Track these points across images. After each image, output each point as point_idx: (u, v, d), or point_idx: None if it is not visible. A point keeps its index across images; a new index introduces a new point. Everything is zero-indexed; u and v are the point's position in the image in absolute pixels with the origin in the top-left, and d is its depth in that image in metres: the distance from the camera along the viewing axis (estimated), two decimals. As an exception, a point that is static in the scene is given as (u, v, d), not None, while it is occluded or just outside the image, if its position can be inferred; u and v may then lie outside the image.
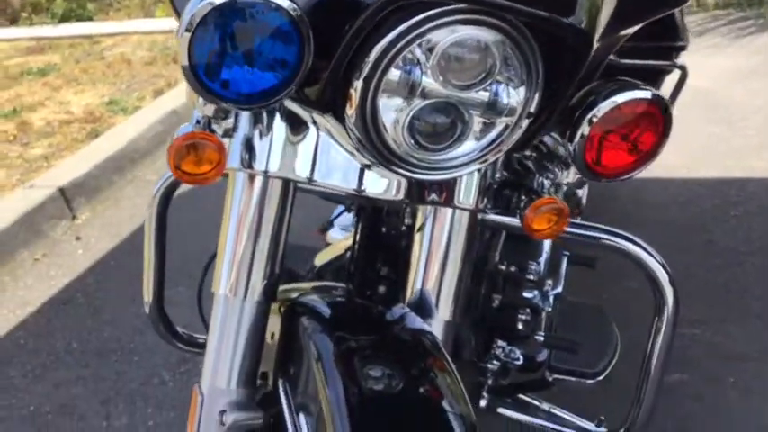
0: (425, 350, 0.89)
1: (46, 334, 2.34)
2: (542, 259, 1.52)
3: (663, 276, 1.04)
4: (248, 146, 0.86)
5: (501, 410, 1.37)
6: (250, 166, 0.86)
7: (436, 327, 0.98)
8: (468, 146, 0.82)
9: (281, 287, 1.00)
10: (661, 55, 1.91)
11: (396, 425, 0.79)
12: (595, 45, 0.77)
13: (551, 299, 1.47)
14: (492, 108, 0.79)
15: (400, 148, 0.79)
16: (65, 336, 2.32)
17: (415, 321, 0.94)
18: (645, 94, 0.86)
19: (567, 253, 1.59)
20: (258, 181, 0.88)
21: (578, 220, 1.13)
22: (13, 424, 1.98)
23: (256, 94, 0.71)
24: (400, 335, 0.92)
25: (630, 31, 1.00)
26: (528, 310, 1.41)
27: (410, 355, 0.88)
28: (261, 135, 0.86)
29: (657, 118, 0.88)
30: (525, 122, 0.82)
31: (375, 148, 0.78)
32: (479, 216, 0.99)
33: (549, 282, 1.53)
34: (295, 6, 0.69)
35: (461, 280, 0.99)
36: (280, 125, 0.87)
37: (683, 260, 2.31)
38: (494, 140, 0.82)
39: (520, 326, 1.41)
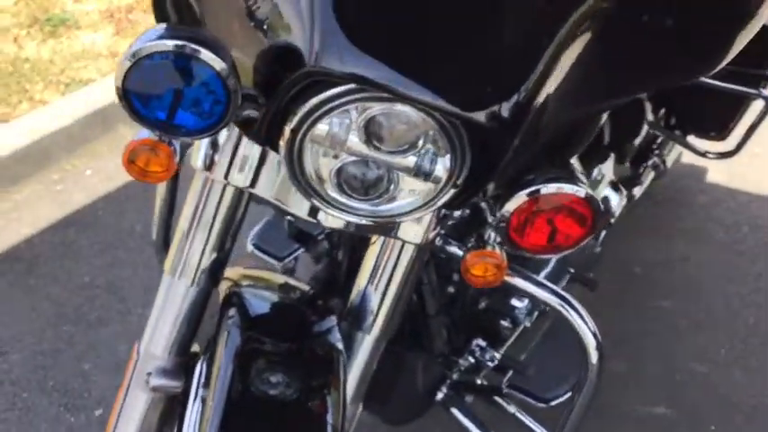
0: (329, 367, 0.96)
1: (118, 213, 2.58)
2: (544, 272, 1.54)
3: (591, 342, 1.06)
4: (212, 151, 0.93)
5: (453, 410, 1.45)
6: (210, 171, 0.94)
7: (366, 343, 1.05)
8: (396, 202, 0.86)
9: (242, 270, 1.10)
10: (747, 81, 1.81)
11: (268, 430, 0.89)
12: (520, 136, 0.78)
13: (535, 314, 1.49)
14: (417, 174, 0.82)
15: (326, 194, 0.84)
16: (133, 219, 2.55)
17: (335, 337, 1.01)
18: (578, 191, 0.86)
19: (572, 270, 1.60)
20: (216, 185, 0.95)
21: (521, 270, 1.15)
22: (68, 290, 2.23)
23: (183, 127, 0.78)
24: (314, 347, 0.99)
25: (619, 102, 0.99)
26: (509, 318, 1.45)
27: (314, 369, 0.96)
28: (226, 145, 0.93)
29: (586, 216, 0.88)
30: (452, 191, 0.84)
31: (302, 188, 0.84)
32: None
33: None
34: (224, 66, 0.74)
35: (398, 303, 1.05)
36: (246, 141, 0.93)
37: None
38: (422, 203, 0.85)
39: (501, 331, 1.46)
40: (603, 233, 1.68)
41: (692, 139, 2.00)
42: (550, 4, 0.79)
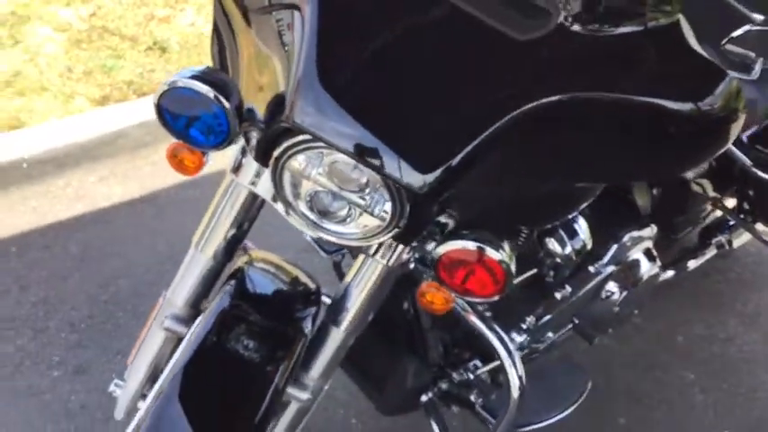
0: (292, 344, 1.21)
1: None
2: (548, 317, 1.70)
3: (515, 384, 1.25)
4: (241, 157, 1.20)
5: (431, 419, 1.65)
6: (236, 174, 1.21)
7: (334, 334, 1.29)
8: (350, 229, 1.09)
9: (263, 254, 1.37)
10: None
11: (226, 377, 1.15)
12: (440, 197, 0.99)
13: (528, 349, 1.66)
14: (366, 211, 1.05)
15: (298, 209, 1.08)
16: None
17: (306, 324, 1.26)
18: (493, 254, 1.05)
19: (576, 321, 1.75)
20: (239, 185, 1.22)
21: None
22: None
23: (196, 141, 1.07)
24: (287, 328, 1.24)
25: None
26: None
27: (280, 344, 1.21)
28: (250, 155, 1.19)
29: (498, 277, 1.07)
30: (395, 230, 1.06)
31: (282, 202, 1.09)
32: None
33: (544, 335, 1.72)
34: (228, 106, 1.02)
35: (366, 308, 1.26)
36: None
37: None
38: (370, 234, 1.08)
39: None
40: (622, 294, 1.78)
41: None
42: (493, 96, 1.00)
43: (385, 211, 1.03)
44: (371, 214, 1.04)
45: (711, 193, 1.93)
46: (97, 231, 2.44)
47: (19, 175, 2.58)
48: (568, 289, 1.65)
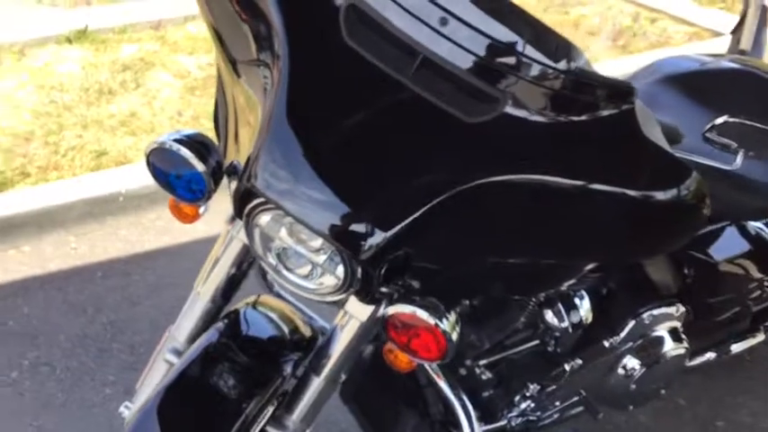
0: (267, 384, 1.31)
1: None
2: (554, 387, 1.70)
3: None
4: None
5: None
6: (231, 225, 1.33)
7: (313, 382, 1.36)
8: (312, 284, 1.17)
9: (265, 298, 1.48)
10: None
11: (201, 404, 1.26)
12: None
13: (533, 416, 1.67)
14: (323, 269, 1.14)
15: (268, 261, 1.19)
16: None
17: (287, 369, 1.35)
18: (434, 322, 1.11)
19: (583, 393, 1.73)
20: (233, 236, 1.34)
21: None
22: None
23: (180, 194, 1.20)
24: (270, 370, 1.34)
25: None
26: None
27: (257, 382, 1.31)
28: None
29: (441, 343, 1.12)
30: (351, 290, 1.14)
31: (255, 253, 1.20)
32: None
33: (551, 405, 1.72)
34: (204, 169, 1.16)
35: (343, 359, 1.34)
36: None
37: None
38: (327, 291, 1.16)
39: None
40: (641, 371, 1.76)
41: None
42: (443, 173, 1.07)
43: (339, 273, 1.11)
44: (330, 273, 1.13)
45: (756, 275, 1.87)
46: (175, 263, 2.65)
47: (115, 207, 2.85)
48: (578, 361, 1.65)
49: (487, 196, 1.07)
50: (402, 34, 1.03)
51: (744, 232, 1.81)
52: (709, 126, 1.28)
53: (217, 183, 1.21)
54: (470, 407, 1.39)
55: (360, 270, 1.09)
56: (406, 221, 1.04)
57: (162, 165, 1.20)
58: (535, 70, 1.03)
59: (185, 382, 1.28)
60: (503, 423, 1.63)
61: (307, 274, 1.17)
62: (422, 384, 1.61)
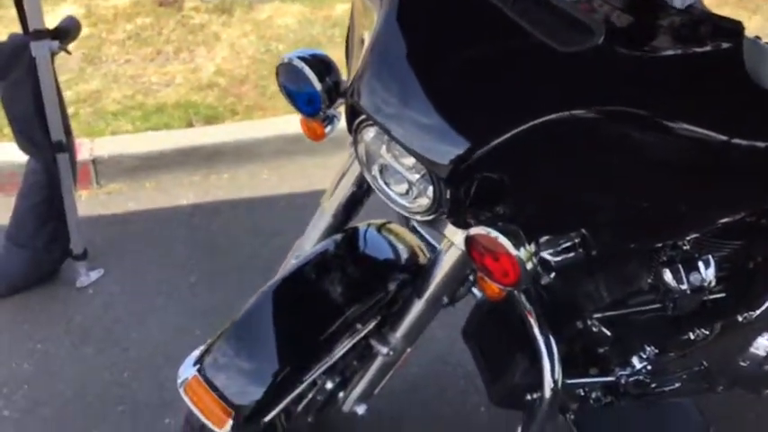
0: (371, 298, 1.42)
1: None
2: (675, 353, 1.63)
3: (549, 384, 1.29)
4: None
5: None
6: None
7: (417, 304, 1.43)
8: (410, 203, 1.24)
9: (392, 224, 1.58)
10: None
11: (309, 300, 1.41)
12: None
13: (652, 381, 1.62)
14: (415, 187, 1.21)
15: (371, 177, 1.28)
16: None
17: (392, 286, 1.44)
18: (509, 249, 1.12)
19: (705, 364, 1.64)
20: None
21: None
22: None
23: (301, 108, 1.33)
24: (378, 286, 1.44)
25: None
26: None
27: (362, 295, 1.42)
28: None
29: (508, 271, 1.14)
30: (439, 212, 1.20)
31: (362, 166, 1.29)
32: None
33: (671, 371, 1.65)
34: (319, 88, 1.29)
35: (443, 289, 1.41)
36: None
37: None
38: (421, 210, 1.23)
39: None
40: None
41: None
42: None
43: (429, 192, 1.18)
44: (423, 193, 1.19)
45: None
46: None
47: (305, 147, 3.05)
48: (704, 331, 1.57)
49: (581, 130, 1.08)
50: None
51: None
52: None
53: (332, 101, 1.32)
54: (556, 351, 1.39)
55: (447, 192, 1.15)
56: (491, 143, 1.08)
57: (286, 79, 1.33)
58: (635, 2, 1.02)
59: (297, 278, 1.43)
60: (612, 378, 1.60)
61: (404, 192, 1.25)
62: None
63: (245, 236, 2.64)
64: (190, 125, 3.18)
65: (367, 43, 1.18)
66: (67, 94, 3.36)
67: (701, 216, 1.24)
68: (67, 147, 2.24)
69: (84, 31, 3.95)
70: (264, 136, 3.08)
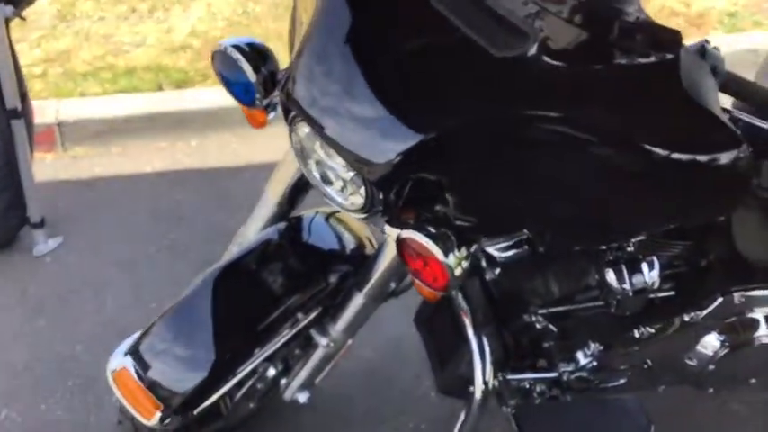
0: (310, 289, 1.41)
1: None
2: (620, 351, 1.62)
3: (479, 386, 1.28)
4: None
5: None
6: None
7: (357, 297, 1.41)
8: (344, 200, 1.21)
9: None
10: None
11: (248, 290, 1.41)
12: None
13: (595, 378, 1.61)
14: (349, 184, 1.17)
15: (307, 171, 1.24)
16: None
17: (333, 278, 1.43)
18: (431, 248, 1.10)
19: (650, 363, 1.64)
20: None
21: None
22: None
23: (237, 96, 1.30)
24: (318, 278, 1.43)
25: None
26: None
27: (301, 285, 1.41)
28: None
29: (437, 276, 1.11)
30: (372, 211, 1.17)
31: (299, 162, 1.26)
32: None
33: (616, 368, 1.65)
34: (253, 80, 1.26)
35: (384, 283, 1.39)
36: None
37: None
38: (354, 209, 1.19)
39: None
40: (721, 353, 1.62)
41: None
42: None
43: (362, 192, 1.15)
44: (356, 191, 1.16)
45: None
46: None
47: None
48: (649, 329, 1.56)
49: (513, 135, 1.04)
50: None
51: None
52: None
53: (268, 92, 1.27)
54: (488, 351, 1.38)
55: (378, 192, 1.12)
56: (423, 145, 1.04)
57: (222, 68, 1.29)
58: (570, 7, 0.97)
59: (238, 267, 1.41)
60: (555, 374, 1.59)
61: (339, 189, 1.21)
62: (478, 322, 1.61)
63: (210, 206, 2.61)
64: (160, 89, 3.11)
65: (304, 30, 1.14)
66: (37, 53, 3.30)
67: (635, 223, 1.21)
68: (23, 113, 2.20)
69: (61, -15, 3.88)
70: (234, 104, 3.01)
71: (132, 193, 2.68)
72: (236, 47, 1.26)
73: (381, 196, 1.12)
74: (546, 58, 0.99)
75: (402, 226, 1.19)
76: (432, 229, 1.14)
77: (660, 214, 1.16)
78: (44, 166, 2.77)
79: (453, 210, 1.15)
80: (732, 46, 3.41)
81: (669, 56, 0.97)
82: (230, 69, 1.28)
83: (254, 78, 1.25)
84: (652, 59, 0.98)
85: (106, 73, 3.19)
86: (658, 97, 1.01)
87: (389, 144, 1.06)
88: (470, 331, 1.38)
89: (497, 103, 1.04)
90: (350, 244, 1.51)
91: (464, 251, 1.14)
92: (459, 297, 1.40)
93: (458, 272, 1.12)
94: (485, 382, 1.38)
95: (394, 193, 1.11)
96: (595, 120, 1.02)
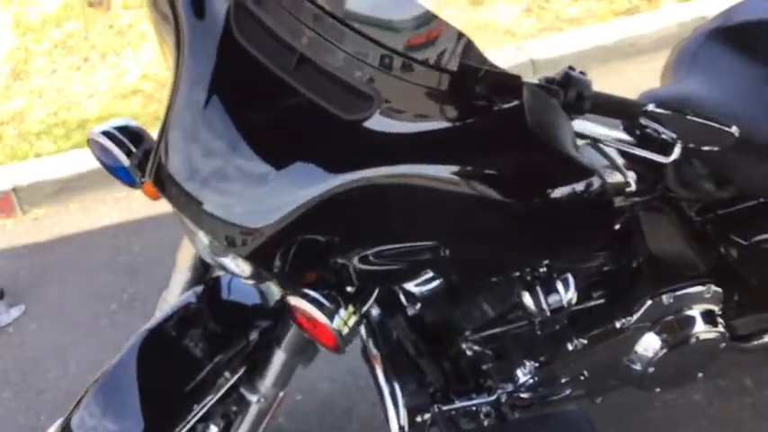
0: (232, 348, 1.41)
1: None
2: (557, 365, 1.61)
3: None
4: None
5: None
6: None
7: (279, 353, 1.40)
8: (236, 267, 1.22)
9: None
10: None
11: (172, 355, 1.39)
12: None
13: (534, 393, 1.61)
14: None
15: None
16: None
17: (254, 334, 1.42)
18: (315, 314, 1.10)
19: (586, 374, 1.63)
20: None
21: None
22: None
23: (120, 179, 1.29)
24: (239, 336, 1.42)
25: None
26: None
27: (223, 345, 1.40)
28: None
29: (329, 339, 1.11)
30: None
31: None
32: None
33: (555, 382, 1.64)
34: (127, 164, 1.26)
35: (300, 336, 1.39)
36: None
37: None
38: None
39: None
40: (660, 353, 1.62)
41: None
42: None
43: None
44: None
45: None
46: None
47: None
48: (582, 341, 1.56)
49: (373, 193, 1.04)
50: (281, 31, 1.02)
51: None
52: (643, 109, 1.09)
53: (145, 172, 1.28)
54: (399, 394, 1.37)
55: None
56: (293, 214, 1.04)
57: (99, 154, 1.29)
58: (409, 67, 0.97)
59: (160, 333, 1.41)
60: (493, 398, 1.59)
61: (231, 258, 1.22)
62: (414, 353, 1.61)
63: (166, 255, 2.61)
64: (113, 138, 3.12)
65: (168, 99, 1.13)
66: (-9, 116, 3.33)
67: (520, 259, 1.21)
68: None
69: (12, 42, 3.90)
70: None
71: (92, 250, 2.69)
72: (107, 133, 1.26)
73: (262, 267, 1.12)
74: (391, 119, 0.99)
75: (294, 287, 1.19)
76: (316, 294, 1.14)
77: (540, 249, 1.15)
78: (5, 233, 2.80)
79: (340, 268, 1.15)
80: (683, 16, 3.39)
81: (513, 101, 0.97)
82: (106, 155, 1.28)
83: (128, 163, 1.25)
84: (497, 107, 0.97)
85: (59, 129, 3.21)
86: (507, 143, 1.00)
87: (256, 222, 1.06)
88: (382, 379, 1.38)
89: (355, 164, 1.03)
90: (274, 296, 1.51)
91: (351, 308, 1.14)
92: (370, 343, 1.40)
93: (345, 332, 1.13)
94: (400, 428, 1.38)
95: (278, 259, 1.11)
96: (453, 170, 1.02)
